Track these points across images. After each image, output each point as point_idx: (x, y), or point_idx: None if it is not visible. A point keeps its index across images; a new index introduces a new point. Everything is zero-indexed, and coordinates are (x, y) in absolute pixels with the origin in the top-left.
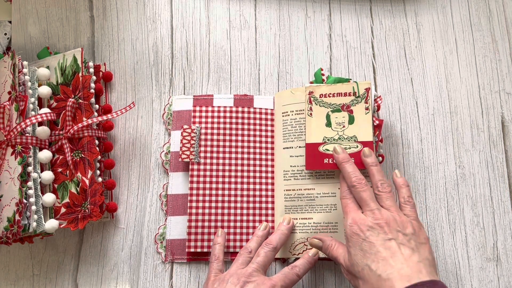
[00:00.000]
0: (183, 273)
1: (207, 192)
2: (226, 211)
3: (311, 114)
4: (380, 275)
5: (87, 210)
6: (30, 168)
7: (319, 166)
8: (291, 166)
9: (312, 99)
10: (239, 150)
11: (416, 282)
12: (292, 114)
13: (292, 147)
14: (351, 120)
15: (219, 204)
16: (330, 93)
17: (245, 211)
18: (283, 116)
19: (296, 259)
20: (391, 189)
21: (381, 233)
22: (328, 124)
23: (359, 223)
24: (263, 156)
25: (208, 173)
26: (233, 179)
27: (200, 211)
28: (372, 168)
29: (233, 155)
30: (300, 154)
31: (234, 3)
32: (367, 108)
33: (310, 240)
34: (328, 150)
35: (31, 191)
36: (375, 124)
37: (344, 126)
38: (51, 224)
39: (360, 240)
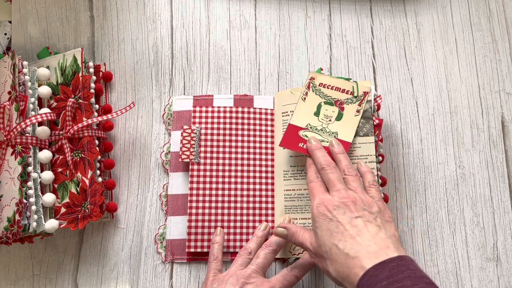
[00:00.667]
0: (183, 273)
1: (207, 192)
2: (226, 211)
3: (304, 98)
4: (348, 254)
5: (87, 210)
6: (30, 168)
7: (292, 147)
8: (291, 166)
9: (311, 84)
10: (239, 150)
11: (384, 259)
12: (292, 114)
13: None
14: (339, 117)
15: (219, 204)
16: (330, 85)
17: (245, 211)
18: (283, 116)
19: (296, 259)
20: (357, 174)
21: (347, 211)
22: (317, 113)
23: (326, 203)
24: (263, 156)
25: (208, 173)
26: (233, 179)
27: (200, 211)
28: (339, 155)
29: (233, 155)
30: (300, 154)
31: (234, 3)
32: (358, 111)
33: (274, 230)
34: (306, 136)
35: (31, 191)
36: (374, 123)
37: (330, 120)
38: (51, 224)
39: (327, 219)
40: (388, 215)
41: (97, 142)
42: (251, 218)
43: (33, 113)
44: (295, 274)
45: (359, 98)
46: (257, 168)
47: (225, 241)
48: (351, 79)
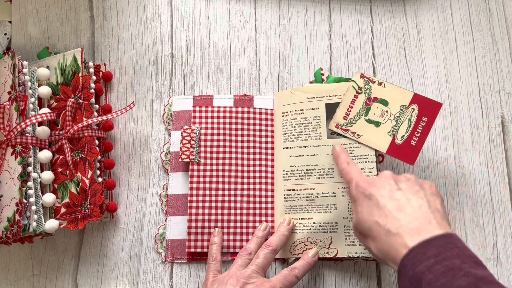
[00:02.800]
0: (183, 273)
1: (207, 192)
2: (226, 211)
3: (358, 136)
4: (389, 230)
5: (87, 210)
6: (30, 168)
7: (417, 150)
8: (291, 166)
9: (344, 127)
10: (239, 150)
11: (427, 236)
12: (292, 114)
13: (292, 147)
14: (384, 103)
15: (219, 204)
16: (348, 110)
17: (245, 211)
18: (283, 116)
19: (296, 259)
20: None
21: (387, 185)
22: (377, 124)
23: (364, 180)
24: (263, 156)
25: (208, 173)
26: (233, 179)
27: (200, 211)
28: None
29: (233, 155)
30: (299, 154)
31: (234, 3)
32: (380, 84)
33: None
34: (403, 135)
35: (31, 191)
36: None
37: (387, 111)
38: (51, 224)
39: (365, 197)
40: (434, 189)
41: (97, 142)
42: (251, 218)
43: (33, 113)
44: (295, 274)
45: (367, 82)
46: (257, 168)
47: (225, 241)
48: (351, 79)
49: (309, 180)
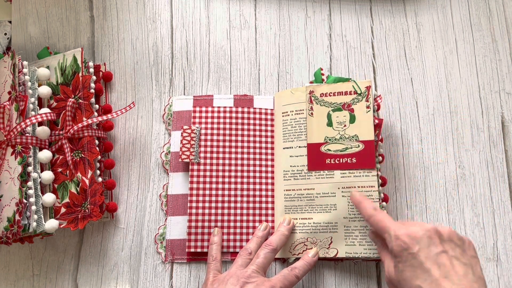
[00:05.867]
0: (183, 273)
1: (207, 192)
2: (226, 211)
3: (311, 113)
4: None
5: (87, 210)
6: (30, 168)
7: (321, 167)
8: (291, 166)
9: (312, 98)
10: (239, 150)
11: None
12: (292, 114)
13: (292, 147)
14: (352, 119)
15: (219, 204)
16: (331, 92)
17: (245, 211)
18: (283, 116)
19: (296, 259)
20: None
21: (432, 245)
22: (329, 123)
23: (405, 233)
24: (263, 156)
25: (208, 173)
26: (233, 179)
27: (200, 211)
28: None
29: (233, 155)
30: (300, 154)
31: (234, 3)
32: (368, 107)
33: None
34: (329, 150)
35: (31, 191)
36: (374, 123)
37: (345, 125)
38: (51, 224)
39: (408, 255)
40: (472, 250)
41: (97, 142)
42: (251, 218)
43: (33, 113)
44: (295, 274)
45: (364, 95)
46: (257, 168)
47: (225, 241)
48: (351, 79)
49: (309, 180)
